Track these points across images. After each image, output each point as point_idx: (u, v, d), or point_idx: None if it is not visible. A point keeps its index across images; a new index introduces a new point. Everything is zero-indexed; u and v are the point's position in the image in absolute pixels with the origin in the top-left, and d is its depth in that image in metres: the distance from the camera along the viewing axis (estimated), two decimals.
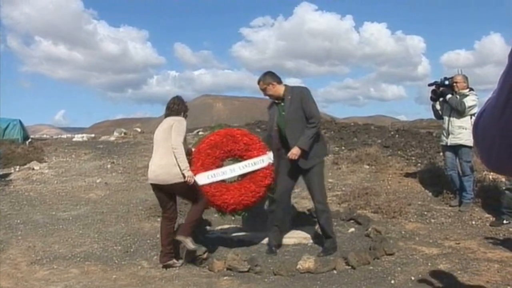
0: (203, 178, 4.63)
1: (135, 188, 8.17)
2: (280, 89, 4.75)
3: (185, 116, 4.62)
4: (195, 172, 4.54)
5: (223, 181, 4.78)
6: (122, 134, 15.32)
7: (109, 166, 10.06)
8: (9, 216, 6.55)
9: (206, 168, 4.69)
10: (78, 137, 16.06)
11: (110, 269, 4.53)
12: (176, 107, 4.59)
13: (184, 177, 4.32)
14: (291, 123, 4.65)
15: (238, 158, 4.87)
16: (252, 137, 4.90)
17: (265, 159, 4.77)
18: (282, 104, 4.73)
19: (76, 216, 6.53)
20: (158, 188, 4.47)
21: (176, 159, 4.30)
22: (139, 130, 17.42)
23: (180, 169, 4.30)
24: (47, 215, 6.63)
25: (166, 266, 4.47)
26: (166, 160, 4.34)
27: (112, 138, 14.67)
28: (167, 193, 4.49)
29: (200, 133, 13.40)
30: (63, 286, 4.11)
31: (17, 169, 10.08)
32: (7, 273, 4.43)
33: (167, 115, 4.62)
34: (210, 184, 4.66)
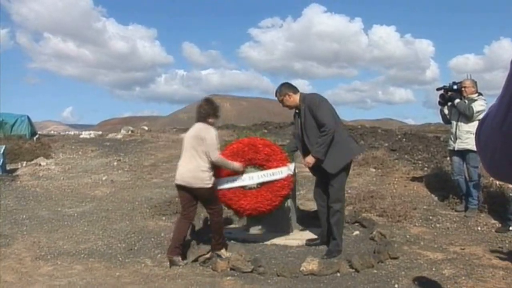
0: (223, 183, 4.84)
1: (140, 186, 8.21)
2: (296, 99, 4.79)
3: (215, 117, 4.69)
4: (216, 176, 4.63)
5: (242, 187, 4.91)
6: (129, 132, 15.41)
7: (115, 163, 10.11)
8: (15, 211, 6.60)
9: (227, 173, 4.87)
10: (85, 134, 16.17)
11: (113, 267, 4.54)
12: (203, 110, 4.64)
13: (236, 169, 4.75)
14: (307, 132, 4.69)
15: (259, 167, 4.95)
16: (274, 148, 5.00)
17: (284, 171, 4.85)
18: (300, 113, 4.77)
19: (81, 212, 6.57)
20: (182, 189, 4.57)
21: (222, 165, 4.65)
22: (146, 128, 17.53)
23: (232, 168, 4.72)
24: (52, 211, 6.68)
25: (170, 262, 4.49)
26: (194, 165, 4.47)
27: (119, 136, 14.77)
28: (190, 194, 4.57)
29: None
30: (67, 282, 4.13)
31: (24, 165, 10.17)
32: (12, 268, 4.47)
33: (196, 119, 4.68)
34: (229, 189, 4.88)
